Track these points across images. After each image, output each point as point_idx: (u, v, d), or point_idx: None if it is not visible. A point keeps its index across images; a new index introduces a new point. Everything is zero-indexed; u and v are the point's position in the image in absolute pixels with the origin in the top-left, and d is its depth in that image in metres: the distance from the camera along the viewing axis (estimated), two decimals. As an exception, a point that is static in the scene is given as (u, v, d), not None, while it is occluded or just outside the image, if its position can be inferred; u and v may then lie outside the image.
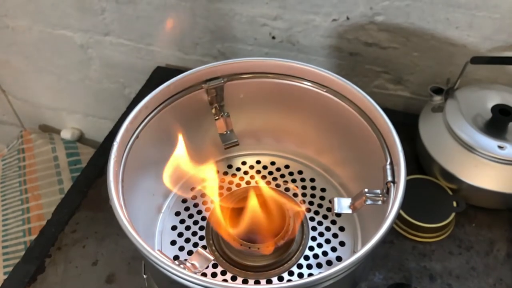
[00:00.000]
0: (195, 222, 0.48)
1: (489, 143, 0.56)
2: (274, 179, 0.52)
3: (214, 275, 0.44)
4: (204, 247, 0.46)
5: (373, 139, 0.43)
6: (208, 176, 0.50)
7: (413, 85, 0.74)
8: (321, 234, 0.47)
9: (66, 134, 1.08)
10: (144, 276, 0.47)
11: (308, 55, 0.75)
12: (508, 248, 0.58)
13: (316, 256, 0.45)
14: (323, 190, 0.51)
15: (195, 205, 0.50)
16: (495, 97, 0.61)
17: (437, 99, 0.63)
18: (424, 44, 0.67)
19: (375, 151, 0.42)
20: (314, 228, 0.47)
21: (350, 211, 0.42)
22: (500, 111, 0.58)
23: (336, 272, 0.32)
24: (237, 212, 0.44)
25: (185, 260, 0.37)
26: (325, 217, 0.48)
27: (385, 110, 0.42)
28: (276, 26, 0.72)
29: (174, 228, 0.48)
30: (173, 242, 0.47)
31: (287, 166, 0.53)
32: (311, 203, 0.50)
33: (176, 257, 0.46)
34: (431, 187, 0.61)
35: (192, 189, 0.52)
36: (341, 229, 0.48)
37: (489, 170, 0.56)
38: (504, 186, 0.56)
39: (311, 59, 0.75)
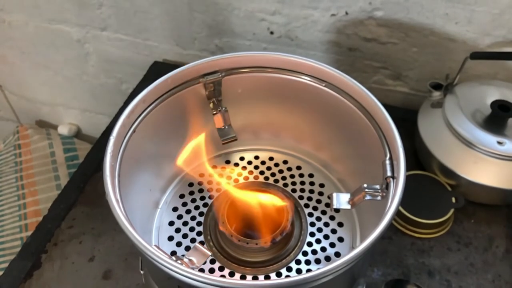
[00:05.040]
0: (193, 218, 0.48)
1: (489, 139, 0.56)
2: (273, 174, 0.52)
3: (211, 271, 0.43)
4: (201, 242, 0.46)
5: (372, 134, 0.42)
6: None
7: (412, 80, 0.73)
8: (319, 230, 0.47)
9: (63, 130, 1.07)
10: (141, 272, 0.46)
11: (306, 50, 0.74)
12: (507, 244, 0.57)
13: (314, 251, 0.45)
14: (321, 185, 0.51)
15: (193, 201, 0.50)
16: (495, 93, 0.61)
17: (436, 94, 0.63)
18: (423, 40, 0.67)
19: (374, 146, 0.42)
20: (312, 224, 0.47)
21: (349, 207, 0.42)
22: (499, 106, 0.58)
23: (334, 268, 0.32)
24: (235, 207, 0.43)
25: (183, 255, 0.37)
26: (323, 212, 0.48)
27: (384, 105, 0.42)
28: (275, 21, 0.72)
29: (171, 223, 0.48)
30: (170, 238, 0.47)
31: (285, 162, 0.53)
32: (309, 198, 0.49)
33: (173, 253, 0.46)
34: (430, 183, 0.60)
35: (190, 184, 0.51)
36: (340, 224, 0.47)
37: (488, 166, 0.56)
38: (503, 182, 0.56)
39: (309, 54, 0.75)
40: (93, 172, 0.66)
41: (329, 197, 0.48)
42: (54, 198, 0.64)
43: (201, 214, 0.48)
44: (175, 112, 0.46)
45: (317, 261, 0.44)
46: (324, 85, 0.46)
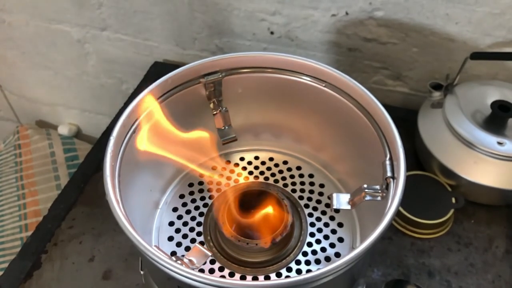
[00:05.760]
0: (193, 218, 0.48)
1: (489, 139, 0.56)
2: (273, 175, 0.52)
3: (211, 271, 0.43)
4: (201, 243, 0.46)
5: (373, 135, 0.42)
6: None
7: (412, 81, 0.73)
8: (319, 230, 0.47)
9: (63, 130, 1.07)
10: (141, 272, 0.46)
11: (306, 51, 0.74)
12: (507, 244, 0.57)
13: (314, 252, 0.45)
14: (321, 186, 0.51)
15: (193, 201, 0.50)
16: (495, 93, 0.61)
17: (436, 95, 0.63)
18: (424, 40, 0.67)
19: (374, 146, 0.42)
20: (312, 224, 0.47)
21: (349, 207, 0.42)
22: (499, 107, 0.58)
23: (334, 269, 0.32)
24: (235, 207, 0.43)
25: (183, 256, 0.37)
26: (323, 213, 0.48)
27: (384, 106, 0.42)
28: (275, 21, 0.72)
29: (171, 224, 0.48)
30: (170, 238, 0.47)
31: (285, 162, 0.53)
32: (309, 199, 0.49)
33: (173, 253, 0.46)
34: (430, 184, 0.60)
35: (190, 184, 0.51)
36: (340, 225, 0.47)
37: (488, 166, 0.56)
38: (503, 182, 0.56)
39: (309, 55, 0.75)
40: (93, 172, 0.66)
41: (329, 198, 0.48)
42: (54, 198, 0.64)
43: (201, 214, 0.48)
44: (175, 112, 0.46)
45: (317, 262, 0.44)
46: (324, 85, 0.46)
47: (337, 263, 0.32)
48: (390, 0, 0.64)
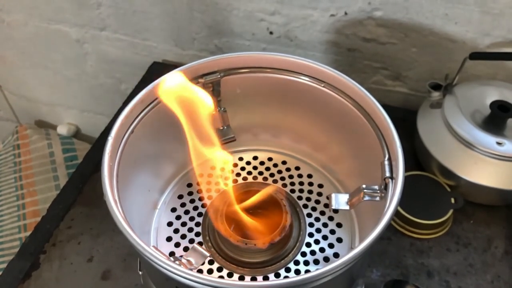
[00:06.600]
0: (191, 218, 0.48)
1: (488, 140, 0.56)
2: (271, 175, 0.52)
3: (210, 271, 0.43)
4: (200, 243, 0.46)
5: (371, 135, 0.42)
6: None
7: (412, 81, 0.73)
8: (318, 231, 0.47)
9: (62, 130, 1.07)
10: (140, 273, 0.46)
11: (306, 51, 0.74)
12: (506, 245, 0.57)
13: (313, 252, 0.45)
14: (320, 186, 0.51)
15: (192, 201, 0.50)
16: (494, 93, 0.61)
17: (436, 95, 0.63)
18: (423, 40, 0.67)
19: (373, 146, 0.42)
20: (311, 225, 0.47)
21: (347, 207, 0.41)
22: (499, 107, 0.57)
23: (333, 269, 0.32)
24: (234, 207, 0.43)
25: (181, 256, 0.37)
26: (322, 213, 0.48)
27: (383, 106, 0.42)
28: (274, 21, 0.72)
29: (170, 224, 0.48)
30: (168, 239, 0.47)
31: (284, 162, 0.53)
32: (308, 199, 0.49)
33: (171, 254, 0.46)
34: (429, 184, 0.60)
35: (189, 185, 0.51)
36: (339, 225, 0.47)
37: (487, 166, 0.56)
38: (503, 182, 0.56)
39: (308, 55, 0.75)
40: (92, 172, 0.66)
41: (328, 198, 0.48)
42: (53, 199, 0.64)
43: (199, 214, 0.48)
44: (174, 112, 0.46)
45: (316, 262, 0.44)
46: (323, 85, 0.46)
47: (336, 263, 0.32)
48: (389, 0, 0.64)
